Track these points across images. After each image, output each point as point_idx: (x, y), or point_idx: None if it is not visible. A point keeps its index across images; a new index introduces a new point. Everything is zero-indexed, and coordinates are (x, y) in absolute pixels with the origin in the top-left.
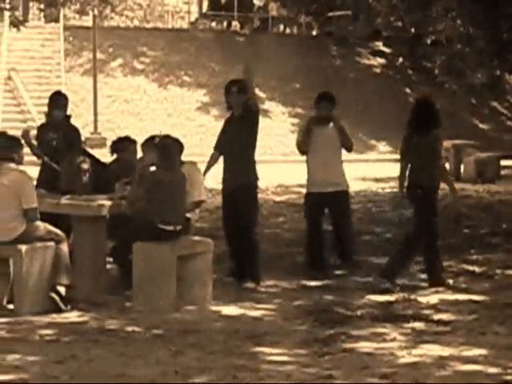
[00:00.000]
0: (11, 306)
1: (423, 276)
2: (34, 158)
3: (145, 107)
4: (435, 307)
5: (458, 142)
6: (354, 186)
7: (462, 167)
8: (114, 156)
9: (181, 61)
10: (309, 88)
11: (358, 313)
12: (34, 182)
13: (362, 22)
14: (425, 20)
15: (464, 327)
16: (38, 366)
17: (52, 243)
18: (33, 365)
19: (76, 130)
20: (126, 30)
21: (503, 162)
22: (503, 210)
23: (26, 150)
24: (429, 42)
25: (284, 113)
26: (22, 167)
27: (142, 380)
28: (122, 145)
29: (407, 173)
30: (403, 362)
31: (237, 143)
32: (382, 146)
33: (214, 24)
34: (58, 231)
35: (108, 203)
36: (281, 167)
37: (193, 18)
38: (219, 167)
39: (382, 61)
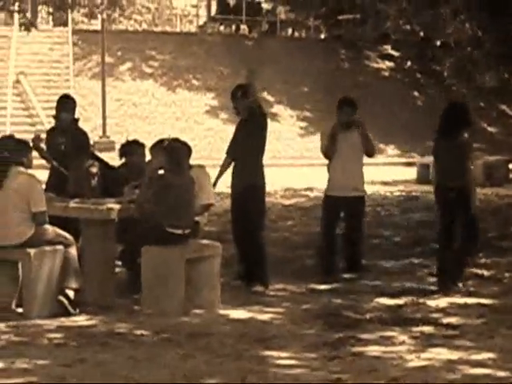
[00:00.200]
0: (20, 310)
1: (432, 280)
2: (44, 162)
3: (153, 111)
4: (444, 311)
5: None
6: None
7: None
8: (123, 160)
9: (189, 64)
10: (317, 91)
11: (367, 316)
12: (43, 186)
13: (371, 26)
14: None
15: (473, 331)
16: (47, 369)
17: (61, 247)
18: (41, 368)
19: (84, 134)
20: (135, 33)
21: None
22: None
23: (35, 153)
24: (438, 44)
25: (292, 116)
26: (31, 171)
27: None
28: (131, 148)
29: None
30: (412, 365)
31: (243, 147)
32: (391, 150)
33: (222, 28)
34: (67, 235)
35: (117, 207)
36: (289, 171)
37: (201, 22)
38: (228, 171)
39: (390, 64)
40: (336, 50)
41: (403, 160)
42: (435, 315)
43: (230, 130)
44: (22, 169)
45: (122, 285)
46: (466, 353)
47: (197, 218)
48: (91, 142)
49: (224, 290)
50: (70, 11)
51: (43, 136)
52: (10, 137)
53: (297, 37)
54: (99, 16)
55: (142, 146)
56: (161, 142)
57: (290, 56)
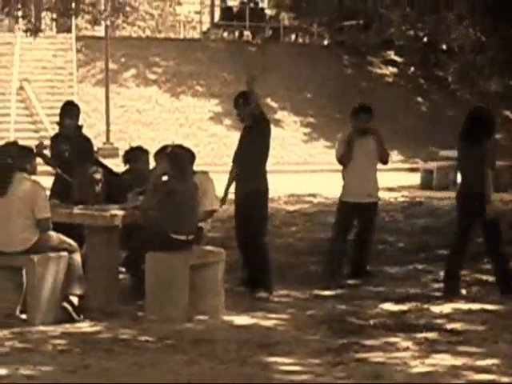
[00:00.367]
0: (24, 316)
1: (436, 285)
2: (49, 168)
3: (157, 117)
4: (448, 317)
5: None
6: None
7: None
8: (127, 166)
9: (193, 71)
10: (321, 98)
11: (371, 322)
12: (48, 192)
13: (374, 31)
14: (437, 29)
15: (477, 337)
16: (51, 376)
17: (65, 253)
18: (46, 375)
19: (88, 141)
20: (138, 40)
21: None
22: None
23: (40, 159)
24: (442, 48)
25: (296, 122)
26: (35, 177)
27: None
28: (135, 155)
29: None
30: (416, 371)
31: (247, 153)
32: (395, 156)
33: (225, 34)
34: (71, 241)
35: (121, 213)
36: (293, 177)
37: (204, 28)
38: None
39: (393, 70)
40: (339, 55)
41: (407, 166)
42: (439, 321)
43: (234, 136)
44: (25, 175)
45: (126, 291)
46: (470, 359)
47: (200, 224)
48: (95, 149)
49: (228, 296)
50: (73, 17)
51: (47, 143)
52: (14, 143)
53: (300, 43)
54: (103, 22)
55: (146, 152)
56: (164, 148)
57: (294, 62)
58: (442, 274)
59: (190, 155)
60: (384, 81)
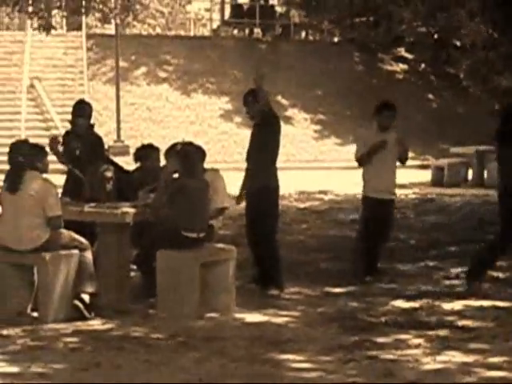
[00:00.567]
0: (35, 314)
1: (447, 282)
2: (61, 166)
3: (168, 115)
4: (459, 314)
5: (481, 147)
6: None
7: (485, 173)
8: (138, 164)
9: (203, 68)
10: (331, 95)
11: (383, 319)
12: (60, 190)
13: (384, 28)
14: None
15: (488, 334)
16: (63, 373)
17: (76, 251)
18: (57, 373)
19: (99, 139)
20: (149, 37)
21: None
22: None
23: (52, 157)
24: (455, 44)
25: (306, 119)
26: (47, 175)
27: None
28: (146, 152)
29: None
30: (428, 368)
31: (257, 150)
32: None
33: (236, 31)
34: (82, 239)
35: (132, 211)
36: (303, 174)
37: (215, 26)
38: (241, 174)
39: (404, 67)
40: (350, 52)
41: (418, 163)
42: (451, 318)
43: (244, 133)
44: (37, 173)
45: (137, 289)
46: (481, 356)
47: (211, 222)
48: (106, 147)
49: (239, 294)
50: (84, 16)
51: (60, 138)
52: (25, 141)
53: (310, 40)
54: (113, 20)
55: (157, 150)
56: (175, 145)
57: (304, 59)
58: (453, 271)
59: (200, 153)
60: (395, 78)
